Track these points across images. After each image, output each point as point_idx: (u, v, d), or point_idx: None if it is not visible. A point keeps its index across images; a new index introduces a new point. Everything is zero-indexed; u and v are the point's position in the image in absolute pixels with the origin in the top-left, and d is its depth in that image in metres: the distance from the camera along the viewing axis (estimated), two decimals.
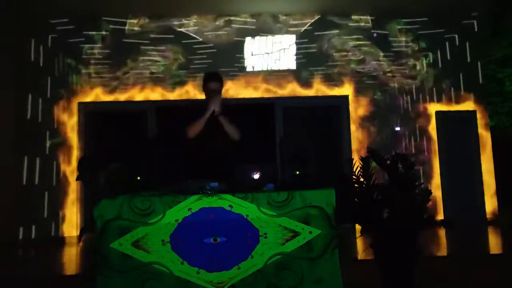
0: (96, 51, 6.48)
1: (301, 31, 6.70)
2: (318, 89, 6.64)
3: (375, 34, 6.73)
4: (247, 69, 6.62)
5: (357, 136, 6.58)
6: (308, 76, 6.64)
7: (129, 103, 6.48)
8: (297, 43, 6.68)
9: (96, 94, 6.44)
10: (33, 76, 6.28)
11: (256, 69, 6.63)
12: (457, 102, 6.70)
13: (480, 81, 6.73)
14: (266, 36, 6.68)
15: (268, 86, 6.62)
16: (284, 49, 6.68)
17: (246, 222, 2.41)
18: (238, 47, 6.63)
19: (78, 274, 3.91)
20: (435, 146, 6.60)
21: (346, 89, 6.67)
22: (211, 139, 3.13)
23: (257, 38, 6.67)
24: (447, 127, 6.64)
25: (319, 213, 2.43)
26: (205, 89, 3.27)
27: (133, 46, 6.53)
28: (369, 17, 6.74)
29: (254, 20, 6.67)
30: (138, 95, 6.49)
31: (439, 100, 6.70)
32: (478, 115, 6.69)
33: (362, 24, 6.75)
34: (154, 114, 6.50)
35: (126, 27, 6.55)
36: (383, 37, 6.74)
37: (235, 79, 6.53)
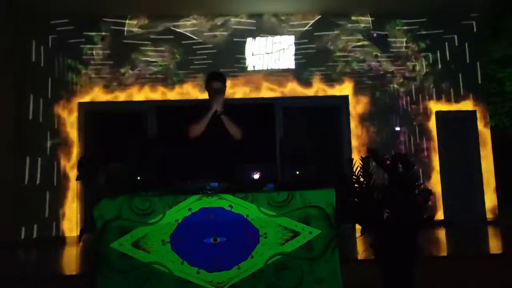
0: (96, 51, 6.49)
1: (301, 31, 6.70)
2: (318, 89, 6.64)
3: (375, 35, 6.74)
4: (247, 69, 6.62)
5: (357, 136, 6.58)
6: (308, 76, 6.64)
7: (129, 103, 6.49)
8: (297, 43, 6.68)
9: (96, 94, 6.45)
10: (34, 76, 6.29)
11: (256, 69, 6.63)
12: (457, 102, 6.71)
13: (479, 81, 6.74)
14: (266, 36, 6.68)
15: (268, 86, 6.62)
16: (284, 49, 6.69)
17: (246, 222, 2.41)
18: (238, 47, 6.64)
19: (78, 274, 3.91)
20: (435, 146, 6.60)
21: (346, 89, 6.67)
22: (213, 138, 3.14)
23: (257, 38, 6.67)
24: (447, 127, 6.65)
25: (319, 213, 2.43)
26: (208, 88, 3.29)
27: (133, 47, 6.54)
28: (369, 18, 6.75)
29: (254, 21, 6.68)
30: (138, 95, 6.50)
31: (439, 100, 6.71)
32: (478, 115, 6.69)
33: (362, 24, 6.75)
34: (154, 114, 6.50)
35: (126, 28, 6.55)
36: (383, 37, 6.74)
37: (235, 79, 6.53)
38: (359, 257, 4.18)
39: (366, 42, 6.72)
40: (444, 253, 4.66)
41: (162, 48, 6.56)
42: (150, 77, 6.52)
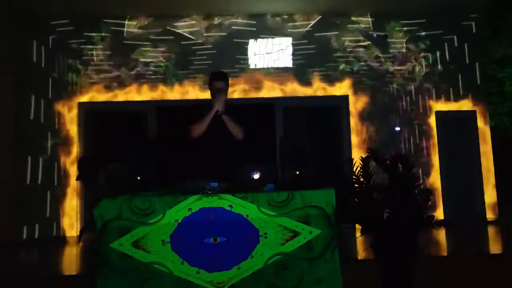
0: (96, 52, 6.49)
1: (301, 31, 6.71)
2: (318, 89, 6.64)
3: (375, 35, 6.74)
4: (247, 70, 6.62)
5: (357, 136, 6.59)
6: (308, 76, 6.64)
7: (129, 103, 6.49)
8: (297, 44, 6.68)
9: (96, 94, 6.45)
10: (34, 76, 6.29)
11: (256, 69, 6.63)
12: (457, 102, 6.71)
13: (478, 81, 6.75)
14: (267, 36, 6.68)
15: (268, 86, 6.62)
16: (284, 49, 6.69)
17: (246, 222, 2.41)
18: (238, 48, 6.64)
19: (78, 274, 3.91)
20: (435, 146, 6.60)
21: (346, 89, 6.67)
22: (214, 138, 3.14)
23: (257, 38, 6.67)
24: (447, 127, 6.65)
25: (319, 213, 2.43)
26: (210, 88, 3.28)
27: (133, 47, 6.54)
28: (369, 18, 6.75)
29: (254, 22, 6.67)
30: (138, 95, 6.50)
31: (438, 100, 6.71)
32: (478, 115, 6.69)
33: (362, 25, 6.75)
34: (154, 114, 6.50)
35: (126, 28, 6.55)
36: (383, 37, 6.74)
37: (235, 79, 6.53)
38: (359, 257, 4.18)
39: (366, 43, 6.73)
40: (444, 253, 4.66)
41: (162, 49, 6.56)
42: (150, 77, 6.52)
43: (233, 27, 6.66)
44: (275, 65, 6.65)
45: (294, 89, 6.63)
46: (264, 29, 6.68)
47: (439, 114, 6.67)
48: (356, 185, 2.86)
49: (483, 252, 4.54)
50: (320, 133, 6.73)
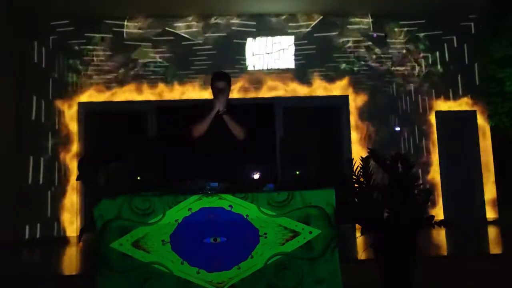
0: (96, 52, 6.49)
1: (301, 31, 6.71)
2: (318, 89, 6.64)
3: (375, 35, 6.74)
4: (247, 70, 6.62)
5: (357, 136, 6.59)
6: (308, 76, 6.64)
7: (129, 103, 6.49)
8: (297, 44, 6.68)
9: (96, 95, 6.45)
10: (34, 76, 6.29)
11: (256, 69, 6.63)
12: (457, 102, 6.71)
13: (477, 82, 6.76)
14: (267, 36, 6.68)
15: (268, 86, 6.62)
16: (284, 49, 6.69)
17: (246, 222, 2.41)
18: (238, 48, 6.64)
19: (78, 274, 3.91)
20: (435, 146, 6.60)
21: (346, 89, 6.67)
22: (215, 138, 3.14)
23: (257, 38, 6.67)
24: (447, 127, 6.65)
25: (319, 213, 2.43)
26: (212, 88, 3.29)
27: (133, 47, 6.54)
28: (369, 19, 6.75)
29: (254, 23, 6.67)
30: (138, 95, 6.50)
31: (438, 100, 6.71)
32: (478, 115, 6.70)
33: (362, 25, 6.75)
34: (154, 114, 6.50)
35: (126, 29, 6.55)
36: (383, 38, 6.74)
37: (235, 79, 6.53)
38: (359, 257, 4.18)
39: (366, 43, 6.73)
40: (444, 253, 4.66)
41: (162, 49, 6.56)
42: (150, 77, 6.52)
43: (233, 27, 6.66)
44: (275, 65, 6.65)
45: (294, 89, 6.63)
46: (264, 29, 6.68)
47: (439, 114, 6.67)
48: (356, 185, 2.86)
49: (483, 252, 4.54)
50: (320, 133, 6.73)
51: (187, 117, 3.23)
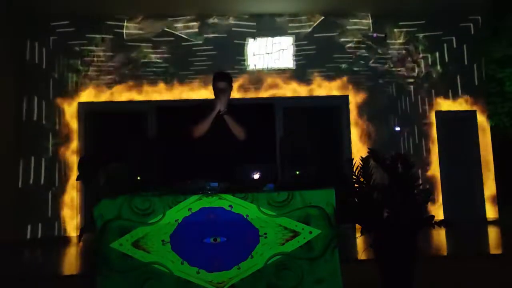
0: (96, 52, 6.49)
1: (301, 31, 6.71)
2: (318, 89, 6.64)
3: (375, 35, 6.74)
4: (247, 70, 6.62)
5: (357, 136, 6.59)
6: (308, 76, 6.64)
7: (129, 103, 6.49)
8: (297, 44, 6.68)
9: (96, 95, 6.45)
10: (34, 77, 6.29)
11: (256, 69, 6.63)
12: (457, 102, 6.72)
13: (476, 82, 6.76)
14: (267, 37, 6.68)
15: (268, 86, 6.62)
16: (284, 49, 6.69)
17: (246, 222, 2.41)
18: (238, 48, 6.64)
19: (78, 274, 3.91)
20: (435, 146, 6.61)
21: (346, 89, 6.67)
22: (216, 138, 3.15)
23: (257, 38, 6.67)
24: (447, 127, 6.65)
25: (319, 213, 2.43)
26: (213, 88, 3.30)
27: (133, 47, 6.54)
28: (369, 20, 6.75)
29: (254, 23, 6.67)
30: (138, 95, 6.50)
31: (438, 100, 6.71)
32: (478, 115, 6.70)
33: (362, 26, 6.75)
34: (154, 114, 6.51)
35: (126, 29, 6.55)
36: (383, 38, 6.74)
37: (235, 79, 6.52)
38: (359, 257, 4.18)
39: (366, 43, 6.73)
40: (444, 253, 4.66)
41: (162, 49, 6.56)
42: (150, 77, 6.52)
43: (233, 27, 6.66)
44: (275, 65, 6.65)
45: (294, 89, 6.63)
46: (264, 29, 6.68)
47: (439, 114, 6.67)
48: (356, 185, 2.86)
49: (483, 252, 4.54)
50: (320, 133, 6.73)
51: (188, 117, 3.24)
